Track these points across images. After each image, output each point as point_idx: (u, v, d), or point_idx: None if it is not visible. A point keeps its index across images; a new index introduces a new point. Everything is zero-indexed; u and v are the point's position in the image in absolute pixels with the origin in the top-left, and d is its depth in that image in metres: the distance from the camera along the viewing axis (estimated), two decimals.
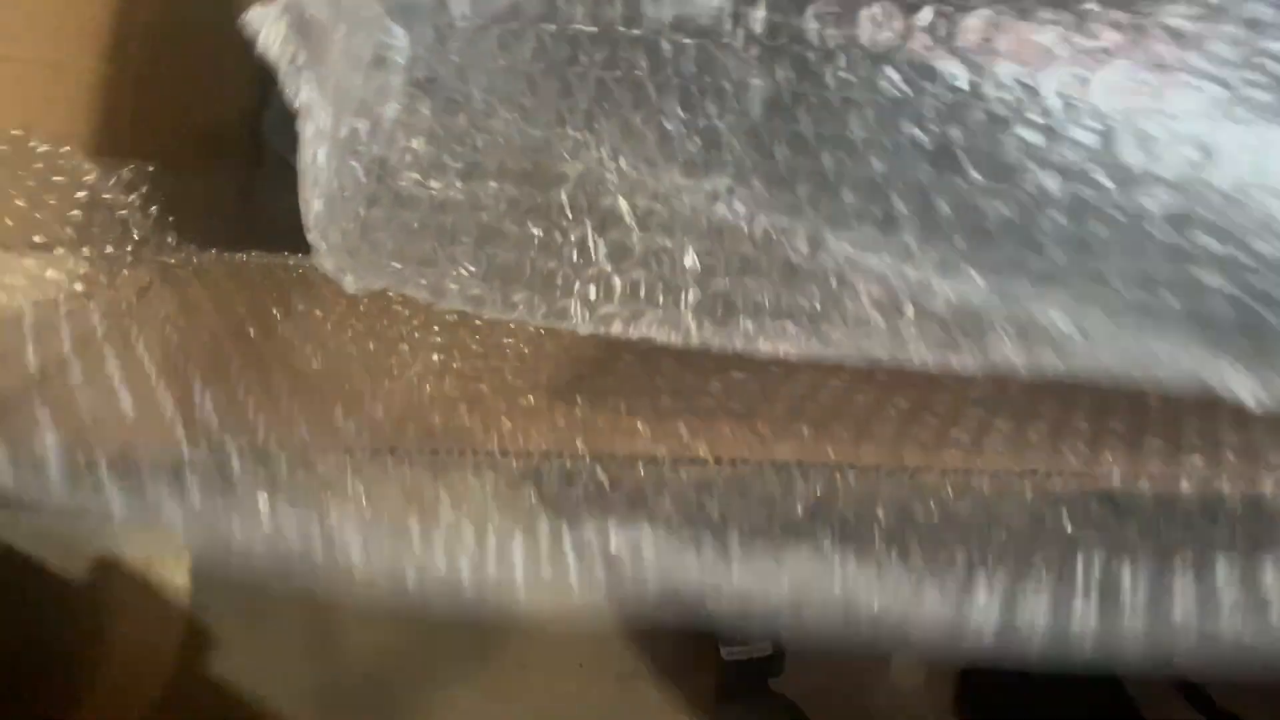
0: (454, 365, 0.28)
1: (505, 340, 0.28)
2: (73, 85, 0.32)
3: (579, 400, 0.26)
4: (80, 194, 0.29)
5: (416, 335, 0.29)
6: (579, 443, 0.24)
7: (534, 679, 0.61)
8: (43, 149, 0.29)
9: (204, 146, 0.40)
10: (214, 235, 0.40)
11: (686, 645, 0.61)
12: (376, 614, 0.61)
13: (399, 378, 0.28)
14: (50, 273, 0.25)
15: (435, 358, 0.28)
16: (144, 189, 0.32)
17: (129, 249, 0.30)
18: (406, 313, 0.29)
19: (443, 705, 0.61)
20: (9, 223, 0.27)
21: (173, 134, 0.38)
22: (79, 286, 0.25)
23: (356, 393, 0.27)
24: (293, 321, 0.29)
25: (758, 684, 0.54)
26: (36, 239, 0.27)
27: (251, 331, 0.28)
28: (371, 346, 0.29)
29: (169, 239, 0.32)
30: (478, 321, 0.28)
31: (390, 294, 0.27)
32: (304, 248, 0.38)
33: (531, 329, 0.28)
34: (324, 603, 0.61)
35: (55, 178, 0.29)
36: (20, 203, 0.28)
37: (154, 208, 0.32)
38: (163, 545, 0.61)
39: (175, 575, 0.61)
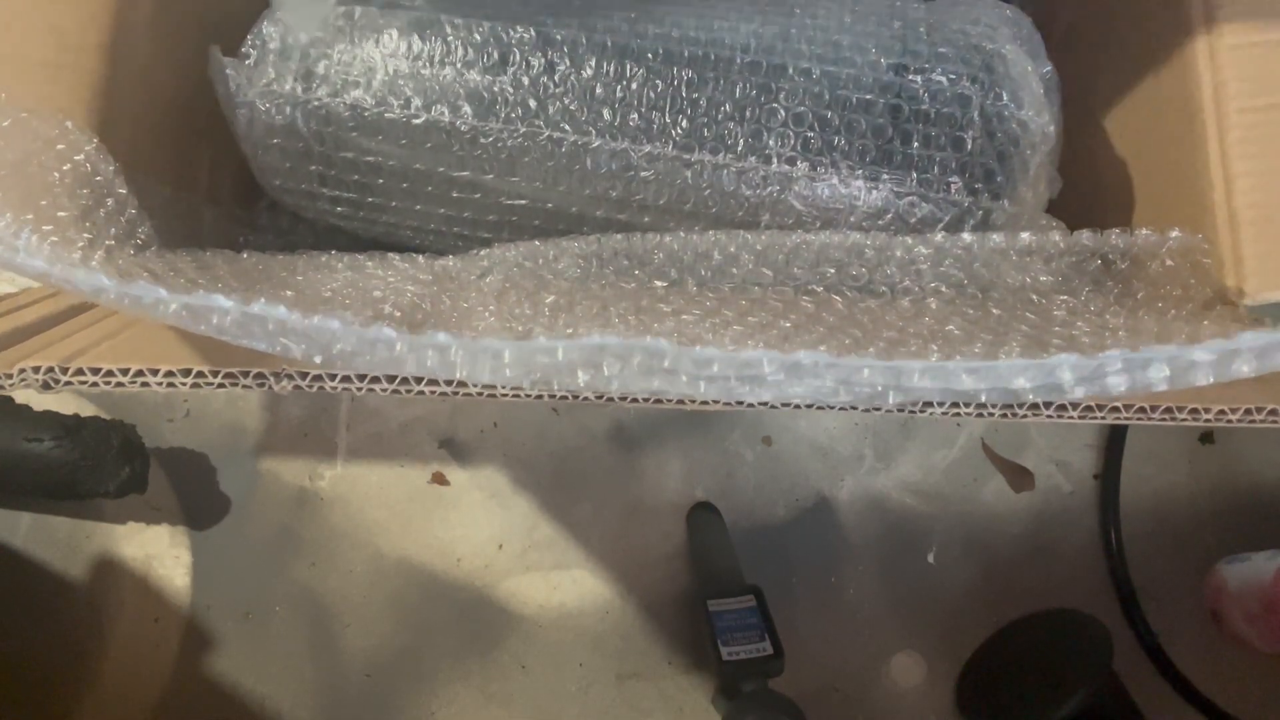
0: None
1: None
2: (73, 85, 0.32)
3: None
4: (97, 178, 0.29)
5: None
6: None
7: (534, 679, 0.61)
8: (73, 135, 0.30)
9: (204, 146, 0.40)
10: (213, 234, 0.40)
11: (686, 645, 0.61)
12: (376, 613, 0.61)
13: None
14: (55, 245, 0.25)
15: None
16: (143, 187, 0.32)
17: (130, 242, 0.30)
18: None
19: (443, 705, 0.61)
20: (22, 189, 0.27)
21: (172, 133, 0.38)
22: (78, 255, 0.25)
23: None
24: None
25: (758, 684, 0.54)
26: (43, 203, 0.27)
27: None
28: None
29: (167, 236, 0.32)
30: None
31: None
32: (305, 247, 0.38)
33: None
34: (324, 603, 0.61)
35: (74, 157, 0.29)
36: (36, 175, 0.28)
37: (152, 205, 0.32)
38: (163, 545, 0.61)
39: (175, 575, 0.61)
